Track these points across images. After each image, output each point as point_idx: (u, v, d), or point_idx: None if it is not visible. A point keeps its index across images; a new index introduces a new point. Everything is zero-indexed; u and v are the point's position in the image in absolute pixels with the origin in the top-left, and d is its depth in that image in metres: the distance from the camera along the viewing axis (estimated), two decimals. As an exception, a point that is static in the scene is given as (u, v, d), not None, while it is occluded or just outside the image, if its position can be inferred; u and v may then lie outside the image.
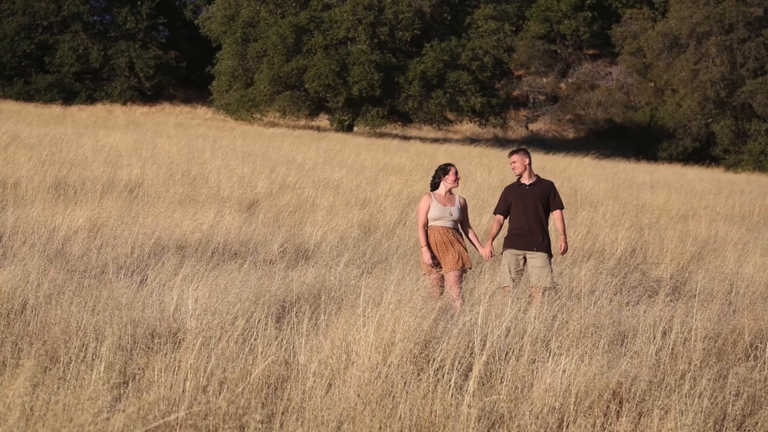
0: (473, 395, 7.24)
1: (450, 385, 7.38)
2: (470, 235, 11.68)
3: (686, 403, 7.39)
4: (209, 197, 18.66)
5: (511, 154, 11.94)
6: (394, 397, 7.21)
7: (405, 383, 7.38)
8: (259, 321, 8.82)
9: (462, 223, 11.58)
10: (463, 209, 11.60)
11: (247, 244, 14.02)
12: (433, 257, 11.24)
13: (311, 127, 58.09)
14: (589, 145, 57.94)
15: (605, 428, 7.19)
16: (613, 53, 70.02)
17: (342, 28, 56.05)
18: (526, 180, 11.76)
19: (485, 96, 56.92)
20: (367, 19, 55.89)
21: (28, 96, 59.68)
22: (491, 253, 11.65)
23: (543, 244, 11.52)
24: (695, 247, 16.55)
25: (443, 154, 40.08)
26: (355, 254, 13.63)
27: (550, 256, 11.62)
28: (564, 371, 7.63)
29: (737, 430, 7.45)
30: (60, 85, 61.21)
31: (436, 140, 53.85)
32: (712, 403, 7.52)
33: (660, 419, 7.18)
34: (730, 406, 7.67)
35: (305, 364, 7.82)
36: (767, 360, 8.92)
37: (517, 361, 8.13)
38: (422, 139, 52.15)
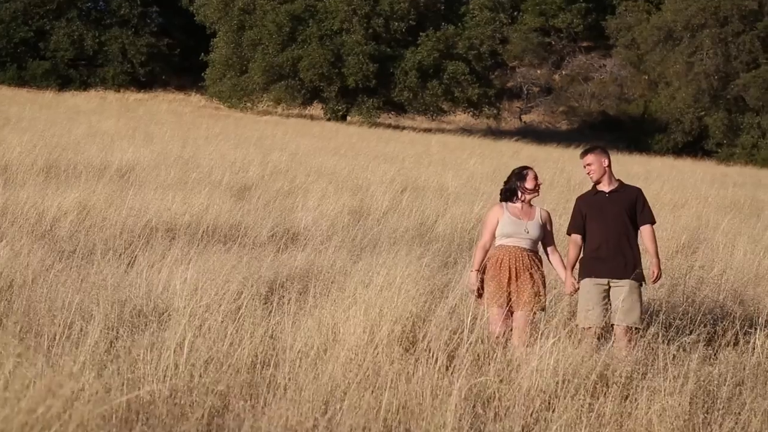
0: (461, 376, 7.19)
1: (437, 365, 7.33)
2: (553, 258, 9.13)
3: (674, 387, 7.35)
4: (200, 182, 18.57)
5: (585, 153, 9.33)
6: (380, 377, 7.16)
7: (392, 362, 7.34)
8: (247, 302, 8.77)
9: (543, 242, 9.09)
10: (545, 226, 9.08)
11: (238, 227, 13.95)
12: (488, 287, 8.81)
13: (304, 116, 57.97)
14: (582, 137, 57.85)
15: (592, 410, 7.15)
16: (607, 45, 69.92)
17: (337, 19, 55.90)
18: (605, 186, 9.21)
19: (481, 87, 56.80)
20: (363, 10, 55.72)
21: (21, 81, 59.53)
22: (574, 286, 9.06)
23: (632, 269, 8.98)
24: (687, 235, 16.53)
25: (437, 143, 40.04)
26: (345, 238, 13.57)
27: (641, 284, 9.08)
28: (552, 353, 7.60)
29: (724, 412, 7.41)
30: (56, 72, 61.11)
31: (428, 130, 53.76)
32: (696, 385, 7.48)
33: (647, 401, 7.15)
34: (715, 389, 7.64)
35: (292, 344, 7.78)
36: (756, 345, 8.89)
37: (506, 341, 8.10)
38: (415, 129, 52.04)
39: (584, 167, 9.25)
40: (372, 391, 6.84)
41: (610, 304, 8.89)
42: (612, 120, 65.76)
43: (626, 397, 7.33)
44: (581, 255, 9.13)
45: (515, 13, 68.85)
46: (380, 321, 7.99)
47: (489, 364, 7.75)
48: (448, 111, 60.18)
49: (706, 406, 7.41)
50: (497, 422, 6.74)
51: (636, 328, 8.74)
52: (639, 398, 7.19)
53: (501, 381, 7.33)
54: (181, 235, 12.83)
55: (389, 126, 54.95)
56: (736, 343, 9.10)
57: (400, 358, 7.46)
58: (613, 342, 8.61)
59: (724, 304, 10.89)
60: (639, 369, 7.72)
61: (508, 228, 8.87)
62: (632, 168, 36.28)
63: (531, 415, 6.93)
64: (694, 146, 59.52)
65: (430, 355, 7.48)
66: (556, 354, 7.53)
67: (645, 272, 9.16)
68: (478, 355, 7.92)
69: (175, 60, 65.03)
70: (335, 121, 55.14)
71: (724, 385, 7.69)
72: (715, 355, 8.77)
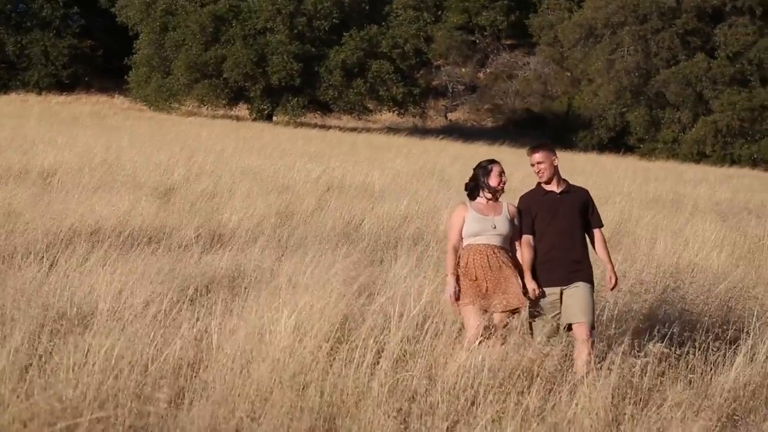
0: (385, 373, 7.21)
1: (364, 363, 7.34)
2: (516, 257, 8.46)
3: (595, 378, 7.45)
4: (125, 184, 18.37)
5: (534, 150, 8.60)
6: (306, 375, 7.15)
7: (317, 363, 7.33)
8: (172, 304, 8.71)
9: (511, 240, 8.42)
10: (513, 221, 8.45)
11: (163, 229, 13.81)
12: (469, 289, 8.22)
13: (230, 117, 57.65)
14: (507, 134, 58.34)
15: (518, 404, 7.21)
16: (530, 43, 70.56)
17: (261, 19, 55.67)
18: (554, 186, 8.56)
19: (406, 86, 56.99)
20: (286, 10, 55.56)
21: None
22: (535, 292, 8.30)
23: (586, 273, 8.45)
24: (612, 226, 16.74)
25: (363, 142, 40.08)
26: (272, 238, 13.51)
27: (593, 287, 8.53)
28: (478, 348, 7.65)
29: (643, 404, 7.52)
30: (-27, 77, 60.17)
31: (354, 129, 53.80)
32: (619, 377, 7.58)
33: (569, 393, 7.23)
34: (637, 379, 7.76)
35: (219, 346, 7.73)
36: (673, 337, 9.04)
37: (433, 339, 8.13)
38: (341, 129, 52.06)
39: (533, 165, 8.51)
40: (299, 391, 6.83)
41: (561, 311, 8.34)
42: (536, 117, 66.38)
43: (550, 391, 7.41)
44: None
45: (439, 12, 69.15)
46: (308, 320, 7.98)
47: (416, 360, 7.77)
48: (374, 110, 60.29)
49: (627, 397, 7.52)
50: (423, 418, 6.77)
51: (592, 328, 8.30)
52: (562, 391, 7.26)
53: (428, 377, 7.36)
54: (105, 238, 12.67)
55: (315, 125, 54.88)
56: (660, 338, 9.22)
57: (327, 357, 7.45)
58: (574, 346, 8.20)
59: (645, 297, 11.04)
60: (563, 363, 7.81)
61: (475, 226, 8.25)
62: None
63: (457, 411, 6.97)
64: (617, 142, 60.32)
65: (358, 353, 7.49)
66: (483, 349, 7.58)
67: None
68: (405, 352, 7.94)
69: (98, 62, 64.21)
70: (261, 121, 54.92)
71: (645, 376, 7.81)
72: (636, 347, 8.89)
